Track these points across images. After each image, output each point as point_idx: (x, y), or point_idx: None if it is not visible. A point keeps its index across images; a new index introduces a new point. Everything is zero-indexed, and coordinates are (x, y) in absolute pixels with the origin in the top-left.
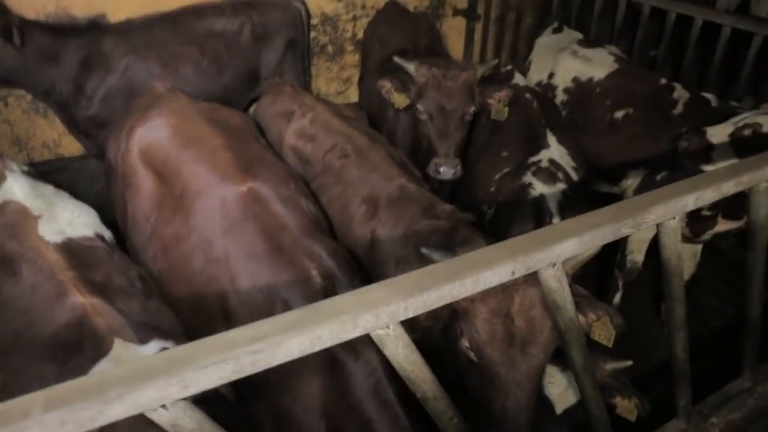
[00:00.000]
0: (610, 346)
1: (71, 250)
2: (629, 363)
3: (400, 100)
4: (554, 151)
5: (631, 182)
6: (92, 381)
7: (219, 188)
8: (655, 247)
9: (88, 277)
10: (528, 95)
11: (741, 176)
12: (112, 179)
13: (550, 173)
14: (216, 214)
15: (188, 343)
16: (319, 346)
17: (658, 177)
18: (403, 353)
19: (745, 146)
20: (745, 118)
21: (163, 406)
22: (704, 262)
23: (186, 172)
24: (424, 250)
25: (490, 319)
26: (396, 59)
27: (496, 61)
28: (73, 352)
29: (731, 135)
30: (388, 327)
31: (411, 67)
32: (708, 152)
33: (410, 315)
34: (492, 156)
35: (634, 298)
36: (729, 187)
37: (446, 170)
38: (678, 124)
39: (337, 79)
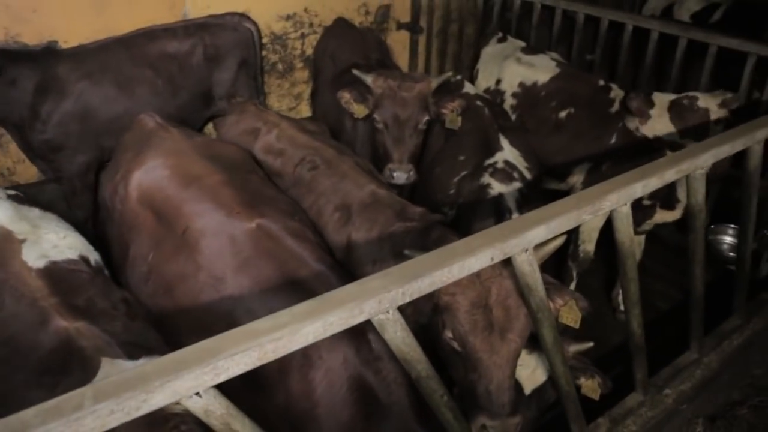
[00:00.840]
0: (577, 327)
1: (54, 275)
2: (591, 344)
3: (359, 110)
4: (507, 152)
5: (576, 178)
6: (135, 374)
7: (226, 226)
8: (602, 238)
9: (71, 302)
10: (479, 102)
11: (680, 164)
12: (106, 219)
13: (506, 173)
14: (226, 252)
15: (216, 336)
16: (330, 332)
17: (604, 167)
18: (401, 336)
19: (679, 111)
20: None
21: (197, 394)
22: (648, 250)
23: (188, 210)
24: (407, 251)
25: (471, 310)
26: (354, 72)
27: (450, 73)
28: (61, 376)
29: (671, 101)
30: (388, 312)
31: (368, 79)
32: (647, 110)
33: (407, 300)
34: (449, 160)
35: (587, 286)
36: (671, 175)
37: (399, 175)
38: (616, 121)
39: (288, 96)
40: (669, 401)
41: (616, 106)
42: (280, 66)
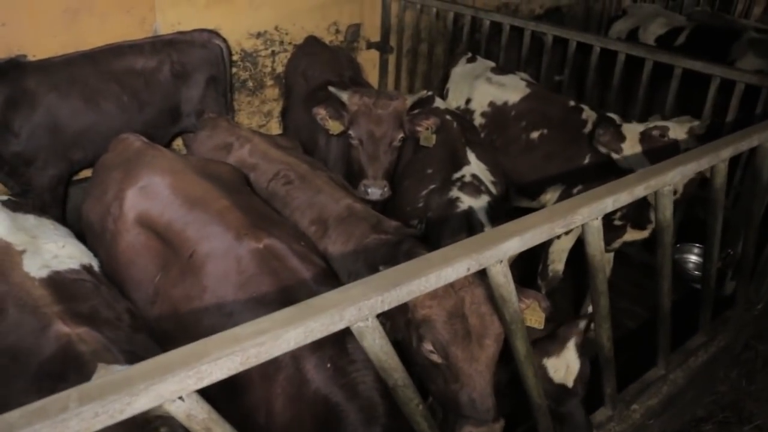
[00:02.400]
0: (541, 328)
1: (57, 284)
2: None
3: (334, 126)
4: (474, 166)
5: (549, 197)
6: (119, 377)
7: (234, 247)
8: (571, 257)
9: (74, 309)
10: (448, 117)
11: (649, 181)
12: (94, 241)
13: (475, 187)
14: (232, 272)
15: (200, 340)
16: (311, 338)
17: (575, 190)
18: (379, 344)
19: (650, 142)
20: (657, 122)
21: (180, 398)
22: (615, 269)
23: (194, 234)
24: (381, 267)
25: (450, 320)
26: (330, 89)
27: (425, 92)
28: (58, 381)
29: (642, 132)
30: (367, 319)
31: (344, 96)
32: (619, 142)
33: (386, 308)
34: (418, 173)
35: (556, 305)
36: (640, 191)
37: (374, 191)
38: (588, 142)
39: (258, 113)
40: (637, 416)
41: (588, 127)
42: (250, 83)
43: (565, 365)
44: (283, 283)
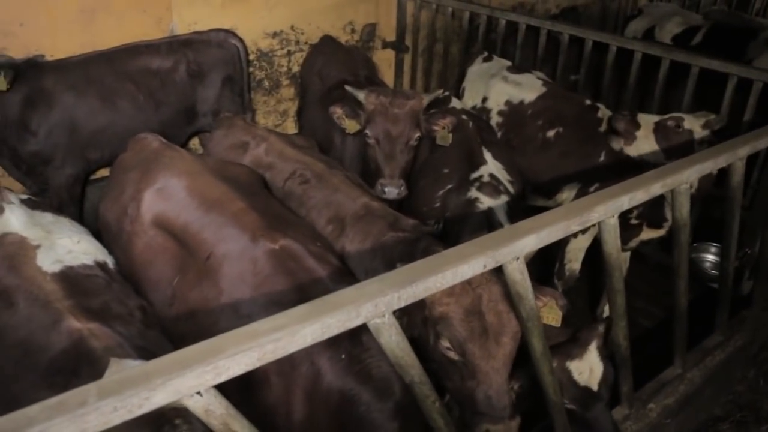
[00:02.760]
0: (558, 326)
1: (69, 279)
2: None
3: (350, 125)
4: (491, 166)
5: (566, 195)
6: (138, 372)
7: (250, 249)
8: (587, 257)
9: (86, 304)
10: (464, 116)
11: (665, 179)
12: (111, 241)
13: (493, 186)
14: (248, 273)
15: (217, 336)
16: (328, 334)
17: (591, 189)
18: (395, 340)
19: (664, 132)
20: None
21: (198, 393)
22: (631, 268)
23: (211, 236)
24: (399, 265)
25: (467, 318)
26: (347, 87)
27: (441, 91)
28: (71, 376)
29: (656, 122)
30: (384, 315)
31: (361, 95)
32: (634, 130)
33: (402, 305)
34: (434, 173)
35: (572, 305)
36: (656, 189)
37: (390, 190)
38: (604, 140)
39: (274, 113)
40: (653, 415)
41: (604, 126)
42: (266, 83)
43: (588, 368)
44: (299, 283)
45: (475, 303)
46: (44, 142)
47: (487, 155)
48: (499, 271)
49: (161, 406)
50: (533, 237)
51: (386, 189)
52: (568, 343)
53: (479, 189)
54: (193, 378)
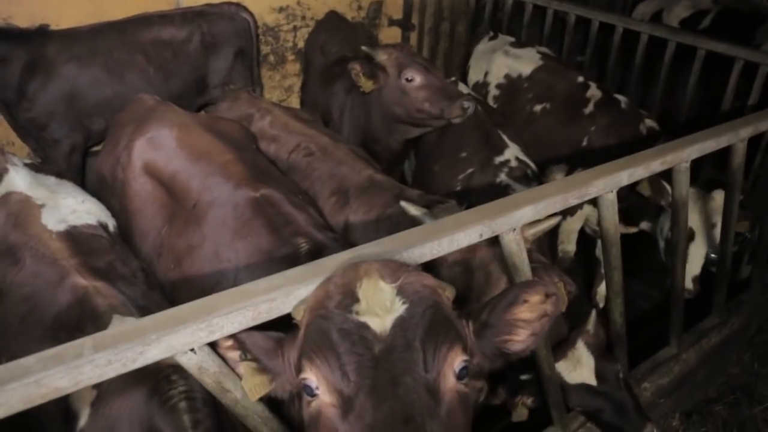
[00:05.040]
0: (563, 311)
1: (74, 237)
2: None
3: (366, 84)
4: (514, 149)
5: (556, 177)
6: (133, 327)
7: (233, 196)
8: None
9: (91, 263)
10: None
11: (666, 156)
12: (107, 193)
13: (522, 171)
14: (229, 219)
15: (212, 295)
16: None
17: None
18: None
19: None
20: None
21: (192, 350)
22: (629, 250)
23: (198, 185)
24: (402, 203)
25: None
26: (363, 48)
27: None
28: (75, 332)
29: None
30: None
31: (378, 52)
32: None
33: None
34: (450, 157)
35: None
36: (656, 166)
37: (470, 104)
38: (586, 123)
39: (279, 88)
40: (647, 394)
41: (590, 107)
42: (271, 58)
43: (575, 362)
44: (276, 227)
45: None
46: (40, 110)
47: (504, 137)
48: (495, 243)
49: (156, 362)
50: (530, 208)
51: (465, 104)
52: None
53: (509, 175)
54: (187, 335)
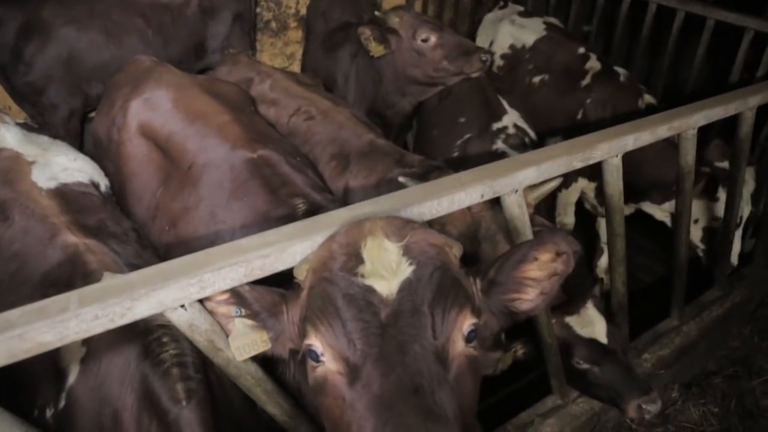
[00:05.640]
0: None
1: (65, 195)
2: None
3: (376, 49)
4: (513, 115)
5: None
6: (121, 281)
7: (229, 157)
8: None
9: (82, 221)
10: None
11: (672, 122)
12: (102, 155)
13: (519, 138)
14: (225, 180)
15: (204, 250)
16: None
17: None
18: None
19: None
20: None
21: (183, 306)
22: (633, 223)
23: (194, 146)
24: (401, 178)
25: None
26: (377, 13)
27: None
28: (64, 289)
29: None
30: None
31: (390, 15)
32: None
33: None
34: (448, 122)
35: None
36: (663, 131)
37: (488, 57)
38: (582, 95)
39: (280, 55)
40: (647, 365)
41: (587, 79)
42: (273, 24)
43: (588, 321)
44: (273, 188)
45: (470, 229)
46: (37, 74)
47: (504, 104)
48: (497, 204)
49: (148, 321)
50: (533, 169)
51: (485, 56)
52: (562, 304)
53: (506, 142)
54: (178, 290)
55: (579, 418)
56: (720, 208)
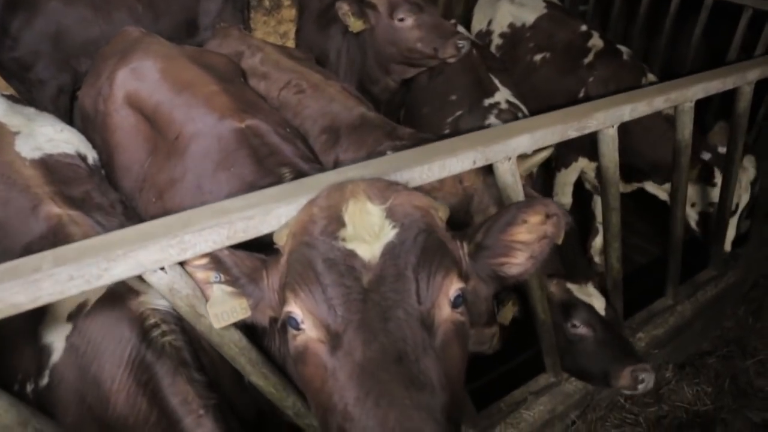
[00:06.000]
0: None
1: (49, 166)
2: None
3: (356, 24)
4: (504, 92)
5: None
6: (98, 241)
7: (216, 127)
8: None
9: (66, 192)
10: None
11: (670, 93)
12: (89, 127)
13: (512, 114)
14: (212, 150)
15: (186, 211)
16: None
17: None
18: None
19: None
20: None
21: (162, 269)
22: (629, 206)
23: (181, 116)
24: (390, 151)
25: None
26: None
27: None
28: None
29: None
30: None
31: None
32: None
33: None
34: (438, 100)
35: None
36: (659, 102)
37: (464, 43)
38: (585, 73)
39: (274, 34)
40: (642, 345)
41: (590, 57)
42: (266, 2)
43: (588, 293)
44: (261, 158)
45: (462, 203)
46: (24, 49)
47: (496, 81)
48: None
49: (141, 303)
50: (527, 137)
51: (461, 42)
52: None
53: (498, 117)
54: (157, 251)
55: (572, 396)
56: (717, 194)
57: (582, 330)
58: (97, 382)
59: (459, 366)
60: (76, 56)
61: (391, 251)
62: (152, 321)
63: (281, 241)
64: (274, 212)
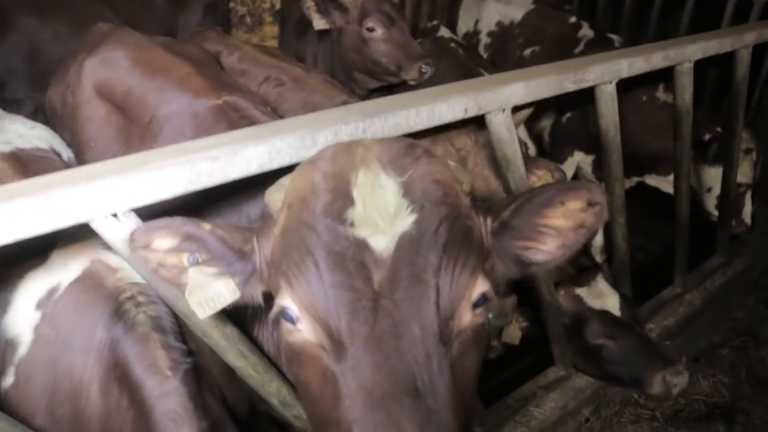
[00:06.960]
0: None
1: (20, 159)
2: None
3: (318, 22)
4: None
5: (544, 124)
6: (37, 181)
7: (192, 105)
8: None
9: None
10: (452, 44)
11: (668, 51)
12: (57, 124)
13: None
14: (187, 128)
15: (143, 152)
16: (278, 161)
17: (564, 118)
18: None
19: None
20: None
21: (115, 215)
22: (629, 204)
23: (154, 99)
24: None
25: None
26: None
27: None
28: (16, 256)
29: None
30: None
31: None
32: None
33: (368, 136)
34: None
35: None
36: (657, 60)
37: (428, 69)
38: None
39: None
40: (653, 336)
41: (581, 47)
42: (248, 19)
43: (599, 293)
44: (233, 126)
45: None
46: None
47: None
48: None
49: (119, 278)
50: (521, 86)
51: (425, 68)
52: (572, 278)
53: None
54: (104, 191)
55: (584, 391)
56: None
57: (600, 340)
58: (66, 376)
59: (473, 375)
60: (52, 73)
61: (407, 245)
62: (127, 294)
63: (275, 206)
64: (242, 153)
